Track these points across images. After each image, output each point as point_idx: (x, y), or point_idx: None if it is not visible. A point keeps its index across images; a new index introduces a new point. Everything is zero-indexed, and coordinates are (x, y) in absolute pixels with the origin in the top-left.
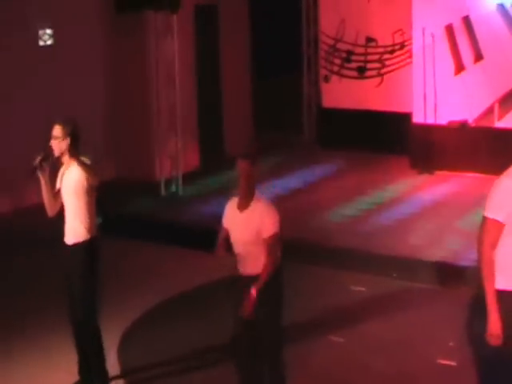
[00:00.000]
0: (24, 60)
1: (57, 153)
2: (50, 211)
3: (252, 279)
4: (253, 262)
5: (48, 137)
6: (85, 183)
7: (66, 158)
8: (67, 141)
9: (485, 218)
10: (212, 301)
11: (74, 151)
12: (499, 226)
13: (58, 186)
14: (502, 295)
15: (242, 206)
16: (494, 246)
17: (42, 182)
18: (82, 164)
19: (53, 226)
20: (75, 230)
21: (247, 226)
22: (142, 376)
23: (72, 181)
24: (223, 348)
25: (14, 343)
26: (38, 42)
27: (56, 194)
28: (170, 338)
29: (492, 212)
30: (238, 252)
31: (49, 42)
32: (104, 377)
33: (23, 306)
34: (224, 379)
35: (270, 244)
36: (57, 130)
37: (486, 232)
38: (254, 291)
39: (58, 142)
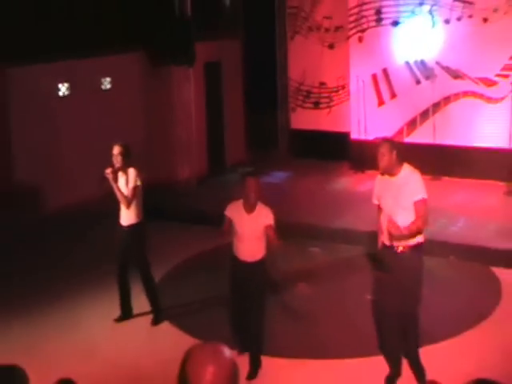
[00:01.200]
0: (90, 100)
1: (117, 165)
2: (124, 203)
3: (248, 265)
4: (251, 252)
5: (109, 154)
6: (138, 182)
7: (123, 167)
8: (123, 156)
9: (424, 199)
10: (220, 263)
11: (128, 162)
12: None
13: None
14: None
15: (250, 209)
16: None
17: (114, 185)
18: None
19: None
20: (129, 215)
21: (255, 224)
22: (173, 311)
23: (132, 180)
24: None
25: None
26: (101, 87)
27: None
28: (192, 285)
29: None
30: (240, 244)
31: (108, 87)
32: (160, 308)
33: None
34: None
35: (273, 230)
36: (117, 149)
37: (426, 208)
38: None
39: (120, 158)
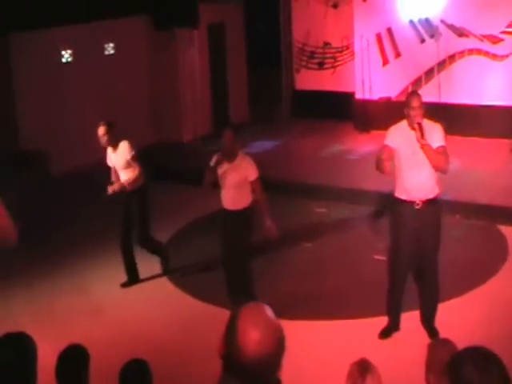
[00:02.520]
0: (93, 65)
1: (104, 144)
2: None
3: (230, 213)
4: (232, 200)
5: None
6: (132, 151)
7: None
8: (109, 134)
9: (446, 147)
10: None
11: (115, 137)
12: None
13: (112, 161)
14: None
15: (229, 159)
16: None
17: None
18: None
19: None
20: (129, 178)
21: (236, 172)
22: (178, 273)
23: (124, 153)
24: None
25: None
26: (104, 52)
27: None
28: (195, 246)
29: (385, 141)
30: (223, 192)
31: (112, 52)
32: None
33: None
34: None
35: (258, 183)
36: (101, 130)
37: (378, 153)
38: (268, 222)
39: (106, 137)
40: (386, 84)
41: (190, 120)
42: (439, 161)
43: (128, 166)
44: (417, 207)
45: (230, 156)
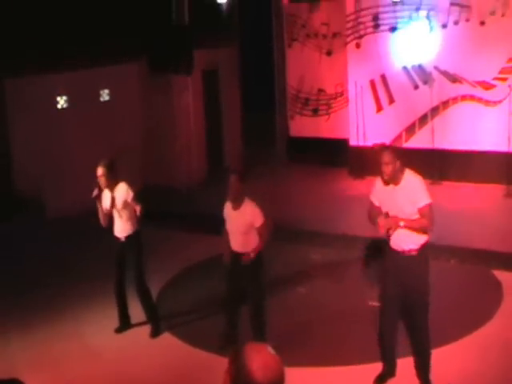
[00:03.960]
0: (90, 111)
1: (102, 186)
2: (104, 222)
3: (241, 255)
4: (241, 244)
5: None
6: (130, 193)
7: (110, 186)
8: (107, 176)
9: (429, 205)
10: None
11: (114, 177)
12: None
13: (107, 204)
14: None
15: (235, 206)
16: None
17: (99, 205)
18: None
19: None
20: (124, 227)
21: (242, 219)
22: (173, 321)
23: (122, 195)
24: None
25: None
26: (99, 99)
27: (108, 211)
28: (193, 292)
29: (371, 196)
30: (231, 237)
31: (107, 98)
32: (159, 319)
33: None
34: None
35: (263, 229)
36: (99, 171)
37: (368, 206)
38: (252, 254)
39: (103, 179)
40: (380, 130)
41: (184, 164)
42: (423, 226)
43: (125, 207)
44: (401, 255)
45: (235, 201)
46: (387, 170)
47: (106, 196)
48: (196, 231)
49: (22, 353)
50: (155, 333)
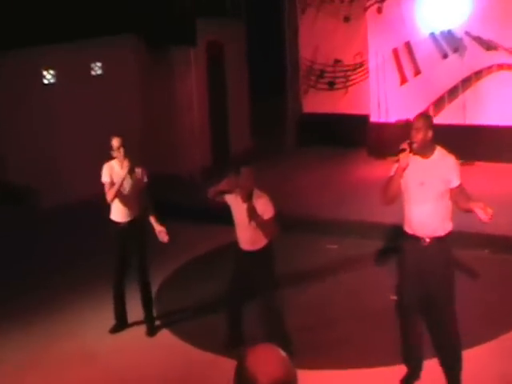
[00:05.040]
0: (80, 86)
1: (119, 158)
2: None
3: (249, 254)
4: (250, 240)
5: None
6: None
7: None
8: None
9: (461, 185)
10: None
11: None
12: None
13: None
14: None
15: (246, 199)
16: None
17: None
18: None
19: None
20: (131, 210)
21: None
22: (170, 318)
23: (139, 178)
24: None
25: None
26: (90, 73)
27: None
28: (195, 289)
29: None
30: (239, 232)
31: (99, 72)
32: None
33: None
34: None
35: (269, 223)
36: (118, 141)
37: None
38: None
39: (123, 149)
40: (404, 105)
41: (186, 150)
42: (465, 196)
43: (136, 187)
44: (424, 244)
45: (246, 195)
46: (418, 136)
47: (116, 171)
48: (198, 222)
49: (15, 354)
50: (152, 332)
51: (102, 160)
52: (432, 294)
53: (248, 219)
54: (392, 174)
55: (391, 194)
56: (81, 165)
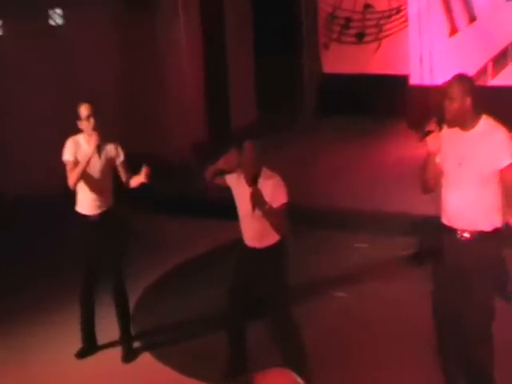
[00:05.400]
0: (38, 41)
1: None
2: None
3: (256, 252)
4: (259, 234)
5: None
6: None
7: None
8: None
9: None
10: (222, 266)
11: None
12: None
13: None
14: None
15: (252, 181)
16: None
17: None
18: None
19: None
20: (103, 199)
21: None
22: (154, 339)
23: (110, 152)
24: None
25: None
26: (48, 22)
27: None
28: (183, 301)
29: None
30: (245, 225)
31: (60, 22)
32: (131, 337)
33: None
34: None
35: (282, 212)
36: (87, 109)
37: None
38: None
39: (93, 120)
40: (454, 62)
41: (176, 124)
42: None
43: (111, 176)
44: (462, 239)
45: (252, 178)
46: (451, 106)
47: (83, 148)
48: (191, 215)
49: None
50: (129, 356)
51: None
52: (467, 299)
53: (252, 207)
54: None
55: (428, 180)
56: (39, 148)
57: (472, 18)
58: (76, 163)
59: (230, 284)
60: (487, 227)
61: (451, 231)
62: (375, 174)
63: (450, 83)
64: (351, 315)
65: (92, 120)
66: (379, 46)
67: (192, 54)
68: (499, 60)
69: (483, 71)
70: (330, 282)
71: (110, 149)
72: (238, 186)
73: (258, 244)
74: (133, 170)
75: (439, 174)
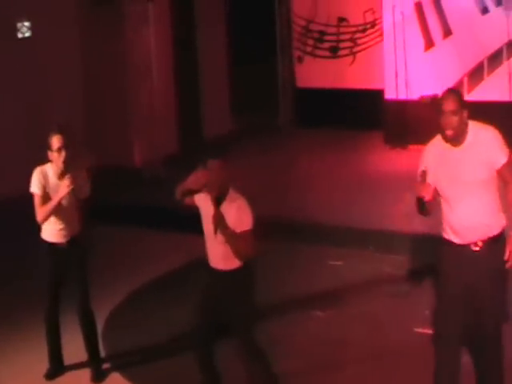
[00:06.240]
0: (2, 52)
1: (61, 162)
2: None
3: (221, 274)
4: (223, 256)
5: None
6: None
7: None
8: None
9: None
10: (195, 282)
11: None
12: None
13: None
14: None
15: (215, 203)
16: None
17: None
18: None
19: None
20: (69, 227)
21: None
22: (125, 360)
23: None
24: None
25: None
26: (16, 35)
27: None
28: (155, 320)
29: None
30: (210, 245)
31: (27, 35)
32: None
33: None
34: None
35: (248, 237)
36: (59, 140)
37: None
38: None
39: (64, 152)
40: (430, 76)
41: (144, 135)
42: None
43: (80, 202)
44: (475, 249)
45: (213, 197)
46: (452, 121)
47: (52, 181)
48: (161, 229)
49: None
50: (98, 376)
51: (31, 149)
52: (479, 311)
53: (214, 230)
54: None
55: (426, 209)
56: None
57: (447, 32)
58: (44, 197)
59: (196, 304)
60: (497, 230)
61: (460, 247)
62: (350, 188)
63: (445, 99)
64: (328, 334)
65: (63, 153)
66: (354, 60)
67: (163, 65)
68: (475, 74)
69: (459, 86)
70: (305, 300)
71: (80, 179)
72: (205, 206)
73: (222, 266)
74: (102, 182)
75: (435, 199)
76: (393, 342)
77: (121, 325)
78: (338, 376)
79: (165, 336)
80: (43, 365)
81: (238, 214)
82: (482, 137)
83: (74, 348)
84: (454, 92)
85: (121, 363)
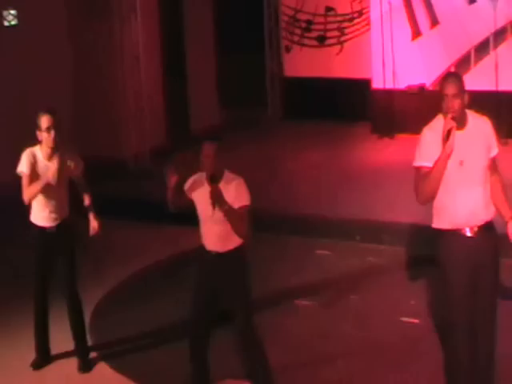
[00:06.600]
0: None
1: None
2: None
3: (217, 256)
4: (220, 237)
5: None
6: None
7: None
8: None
9: (415, 169)
10: (183, 274)
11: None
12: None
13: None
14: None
15: (211, 180)
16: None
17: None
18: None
19: None
20: (58, 211)
21: None
22: (112, 350)
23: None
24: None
25: None
26: (2, 23)
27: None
28: (142, 311)
29: (419, 161)
30: (205, 228)
31: (13, 23)
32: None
33: None
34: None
35: (245, 215)
36: (48, 120)
37: (416, 181)
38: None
39: (54, 132)
40: (416, 66)
41: (133, 128)
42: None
43: (67, 186)
44: (469, 235)
45: (208, 176)
46: (454, 104)
47: (41, 162)
48: (149, 221)
49: None
50: (85, 366)
51: (18, 139)
52: (479, 295)
53: (212, 206)
54: (433, 164)
55: (434, 189)
56: None
57: (435, 22)
58: (32, 177)
59: (192, 294)
60: (490, 216)
61: (460, 234)
62: (337, 179)
63: (446, 83)
64: (317, 324)
65: (53, 132)
66: (341, 49)
67: (150, 56)
68: (462, 64)
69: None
70: (293, 291)
71: (70, 160)
72: (199, 189)
73: (220, 248)
74: (91, 174)
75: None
76: (380, 332)
77: (108, 315)
78: (327, 366)
79: (152, 326)
80: (31, 356)
81: (236, 191)
82: (481, 125)
83: (61, 337)
84: (455, 75)
85: (108, 353)
